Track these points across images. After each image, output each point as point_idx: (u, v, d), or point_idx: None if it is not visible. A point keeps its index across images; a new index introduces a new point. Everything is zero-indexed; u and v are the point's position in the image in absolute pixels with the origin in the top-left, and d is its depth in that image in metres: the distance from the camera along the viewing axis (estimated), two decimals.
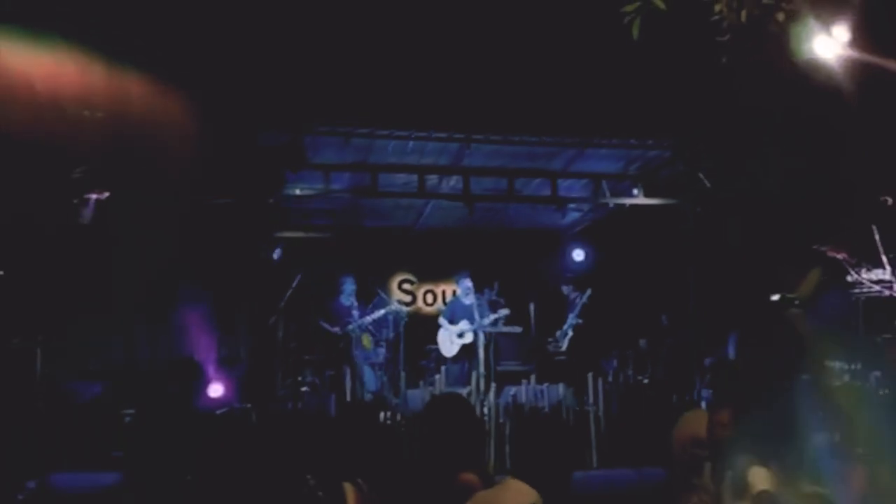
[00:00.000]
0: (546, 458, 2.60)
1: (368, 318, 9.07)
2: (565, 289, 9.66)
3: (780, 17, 3.56)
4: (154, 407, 5.93)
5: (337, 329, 8.96)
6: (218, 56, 6.47)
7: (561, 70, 6.94)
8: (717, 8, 3.57)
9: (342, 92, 6.99)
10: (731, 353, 8.15)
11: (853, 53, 4.17)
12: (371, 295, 9.56)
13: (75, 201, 6.85)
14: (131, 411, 6.24)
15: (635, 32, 3.51)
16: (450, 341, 9.06)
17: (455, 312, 9.10)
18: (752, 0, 3.53)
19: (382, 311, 9.03)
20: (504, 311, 8.77)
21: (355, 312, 9.00)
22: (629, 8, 3.50)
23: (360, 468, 2.79)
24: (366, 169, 8.07)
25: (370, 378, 8.88)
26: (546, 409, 7.18)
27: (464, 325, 8.93)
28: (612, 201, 8.80)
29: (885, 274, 7.80)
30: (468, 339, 8.88)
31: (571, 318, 9.28)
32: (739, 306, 8.51)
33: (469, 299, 8.92)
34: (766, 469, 3.72)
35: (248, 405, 7.11)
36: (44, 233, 6.46)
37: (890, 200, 6.73)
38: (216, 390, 7.14)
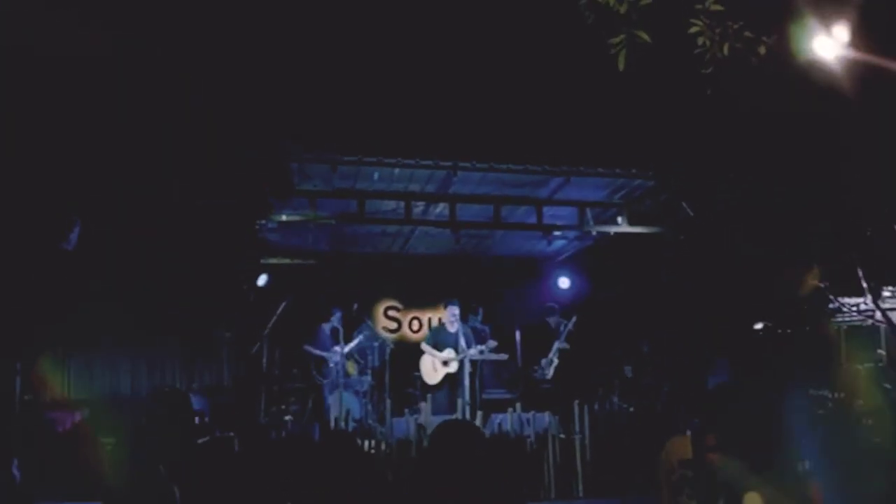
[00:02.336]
0: (492, 488, 2.51)
1: (353, 345, 9.06)
2: (551, 319, 9.68)
3: (762, 50, 3.64)
4: (138, 436, 5.83)
5: (325, 353, 8.95)
6: (205, 84, 6.50)
7: (547, 100, 7.04)
8: (701, 41, 3.65)
9: (329, 119, 7.03)
10: (716, 381, 8.18)
11: (853, 55, 4.19)
12: (357, 321, 9.53)
13: (59, 224, 6.80)
14: (111, 440, 6.14)
15: (621, 64, 3.57)
16: (433, 369, 8.96)
17: (438, 339, 9.03)
18: (735, 34, 3.61)
19: (359, 338, 9.02)
20: (492, 343, 8.74)
21: (337, 347, 8.99)
22: (615, 40, 3.57)
23: (342, 497, 2.75)
24: (352, 196, 8.08)
25: (355, 406, 8.81)
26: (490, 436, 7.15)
27: (448, 353, 8.86)
28: (597, 229, 8.86)
29: (866, 302, 7.89)
30: (453, 368, 8.80)
31: (557, 345, 9.28)
32: (723, 334, 8.56)
33: (454, 327, 8.89)
34: (760, 495, 3.72)
35: (231, 434, 7.02)
36: (26, 258, 6.39)
37: (870, 230, 6.82)
38: (199, 418, 7.05)
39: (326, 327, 9.16)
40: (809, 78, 4.26)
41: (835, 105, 4.82)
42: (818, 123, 6.03)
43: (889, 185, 6.41)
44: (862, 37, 4.06)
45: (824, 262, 7.36)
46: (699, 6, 3.61)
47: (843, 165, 6.66)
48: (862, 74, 4.26)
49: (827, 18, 3.93)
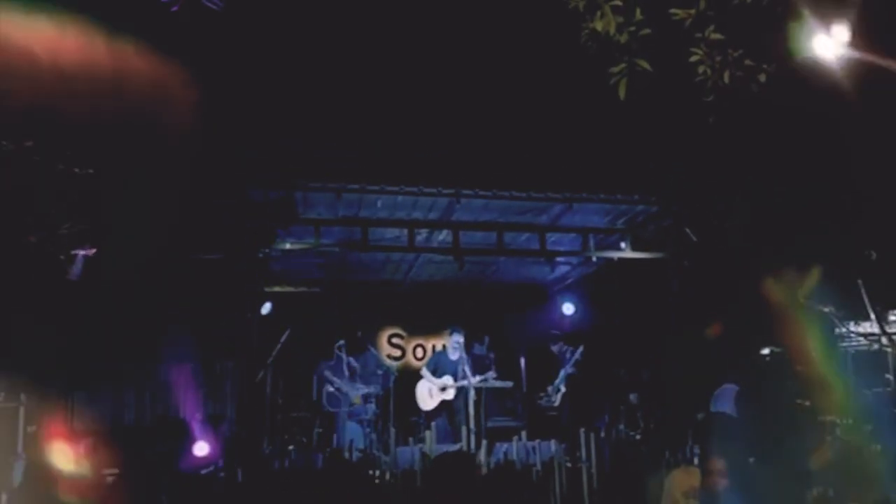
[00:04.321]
0: None
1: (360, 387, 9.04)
2: (554, 347, 9.63)
3: (762, 78, 3.67)
4: (139, 466, 5.80)
5: (346, 387, 8.91)
6: (209, 112, 6.54)
7: (549, 127, 7.09)
8: (701, 69, 3.68)
9: (333, 148, 7.07)
10: (720, 407, 8.11)
11: (853, 55, 4.16)
12: (360, 349, 9.50)
13: (62, 258, 6.82)
14: (114, 471, 6.10)
15: (622, 93, 3.60)
16: (429, 395, 8.93)
17: (438, 365, 9.02)
18: (735, 62, 3.64)
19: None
20: (491, 374, 8.72)
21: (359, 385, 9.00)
22: (616, 69, 3.61)
23: None
24: (356, 223, 8.11)
25: (358, 435, 8.74)
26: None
27: (446, 379, 8.82)
28: (600, 255, 8.86)
29: (872, 327, 7.83)
30: (449, 395, 8.76)
31: (563, 373, 9.21)
32: (727, 360, 8.50)
33: (456, 355, 8.85)
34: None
35: (235, 464, 6.96)
36: (30, 289, 6.40)
37: (874, 254, 6.81)
38: (202, 449, 7.01)
39: (345, 360, 9.13)
40: (809, 78, 4.25)
41: (835, 105, 4.82)
42: (818, 124, 6.04)
43: (889, 185, 6.38)
44: (862, 37, 4.07)
45: (824, 265, 7.32)
46: (699, 35, 3.64)
47: (844, 165, 6.65)
48: (862, 74, 4.26)
49: (827, 18, 3.94)
